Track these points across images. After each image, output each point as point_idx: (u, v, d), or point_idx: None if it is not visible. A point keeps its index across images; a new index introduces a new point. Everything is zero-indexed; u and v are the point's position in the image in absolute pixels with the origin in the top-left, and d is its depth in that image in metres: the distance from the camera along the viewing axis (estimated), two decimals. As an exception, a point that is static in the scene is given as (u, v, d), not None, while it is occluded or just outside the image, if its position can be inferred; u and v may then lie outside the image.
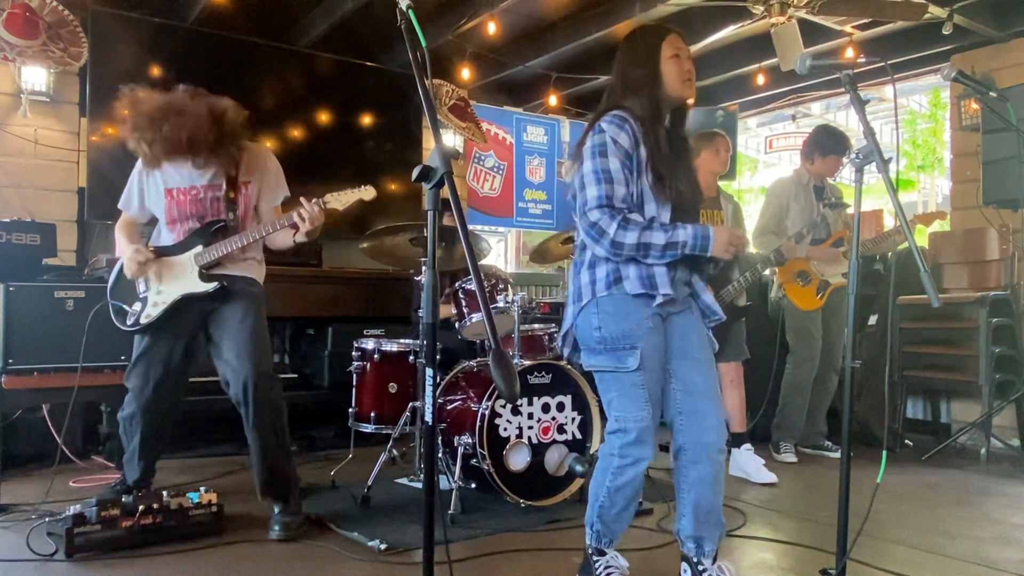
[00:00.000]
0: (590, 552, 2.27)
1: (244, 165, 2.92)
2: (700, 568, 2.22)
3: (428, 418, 1.64)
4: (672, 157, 2.18)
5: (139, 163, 2.92)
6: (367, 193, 2.82)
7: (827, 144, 4.20)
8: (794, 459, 4.16)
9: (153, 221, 3.00)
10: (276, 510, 2.80)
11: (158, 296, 2.85)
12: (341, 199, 2.79)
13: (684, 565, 2.26)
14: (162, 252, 2.87)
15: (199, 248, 2.84)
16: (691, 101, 2.29)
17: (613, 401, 2.17)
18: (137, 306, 2.88)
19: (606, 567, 2.22)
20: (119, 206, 2.99)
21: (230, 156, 2.87)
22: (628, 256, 2.10)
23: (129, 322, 2.88)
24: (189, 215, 2.87)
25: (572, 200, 2.19)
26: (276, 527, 2.73)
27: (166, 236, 2.92)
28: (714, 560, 2.24)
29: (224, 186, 2.87)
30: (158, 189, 2.89)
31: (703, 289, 2.30)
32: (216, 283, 2.82)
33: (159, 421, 2.95)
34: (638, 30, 2.30)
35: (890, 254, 4.79)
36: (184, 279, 2.84)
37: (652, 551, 2.63)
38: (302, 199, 2.76)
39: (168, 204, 2.87)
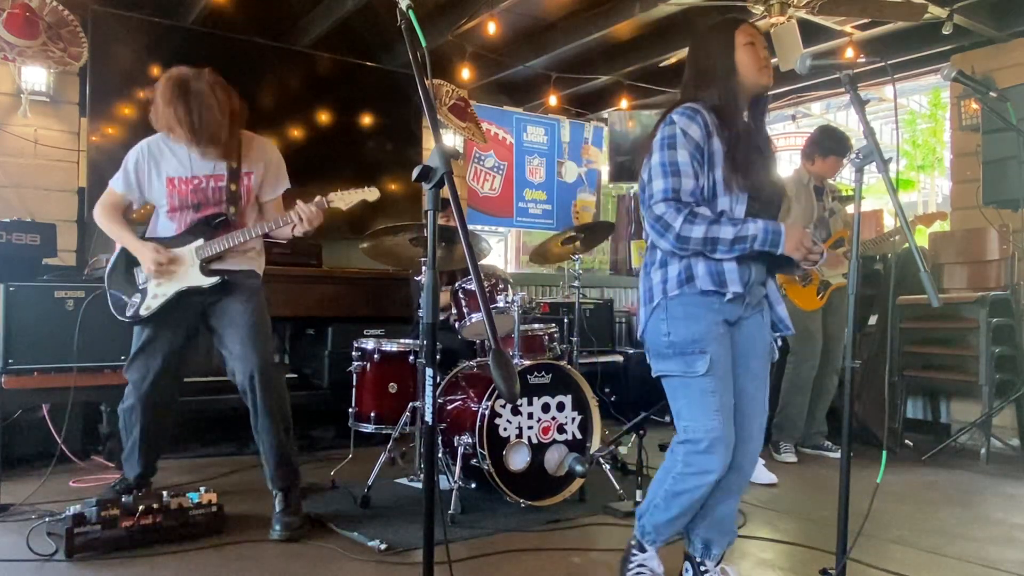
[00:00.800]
0: (632, 544, 2.25)
1: (246, 156, 2.92)
2: (702, 569, 2.22)
3: (428, 418, 1.64)
4: (752, 147, 2.09)
5: (139, 149, 2.90)
6: (371, 194, 2.83)
7: (827, 145, 4.20)
8: (794, 459, 4.16)
9: (146, 215, 2.99)
10: (277, 509, 2.81)
11: (158, 288, 2.85)
12: (345, 199, 2.81)
13: (687, 564, 2.26)
14: (163, 244, 2.87)
15: (200, 242, 2.84)
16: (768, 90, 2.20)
17: (682, 410, 2.09)
18: (136, 297, 2.88)
19: (639, 565, 2.21)
20: (112, 184, 2.92)
21: (235, 144, 2.88)
22: (695, 251, 2.02)
23: (128, 313, 2.88)
24: (190, 204, 2.87)
25: (642, 194, 2.12)
26: (277, 527, 2.74)
27: (165, 225, 2.91)
28: (717, 563, 2.24)
29: (226, 177, 2.88)
30: (160, 177, 2.88)
31: (778, 300, 2.22)
32: (217, 278, 2.83)
33: (159, 414, 2.97)
34: (710, 23, 2.22)
35: (890, 254, 4.80)
36: (185, 273, 2.84)
37: (652, 551, 2.63)
38: (299, 202, 2.77)
39: (169, 192, 2.87)
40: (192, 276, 2.84)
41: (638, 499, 3.05)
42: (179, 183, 2.86)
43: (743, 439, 2.15)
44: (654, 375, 2.16)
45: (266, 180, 2.97)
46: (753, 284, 2.10)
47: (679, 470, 2.09)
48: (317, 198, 2.78)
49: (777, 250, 1.98)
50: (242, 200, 2.91)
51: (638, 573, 2.20)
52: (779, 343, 2.26)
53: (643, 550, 2.22)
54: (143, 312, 2.85)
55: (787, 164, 13.22)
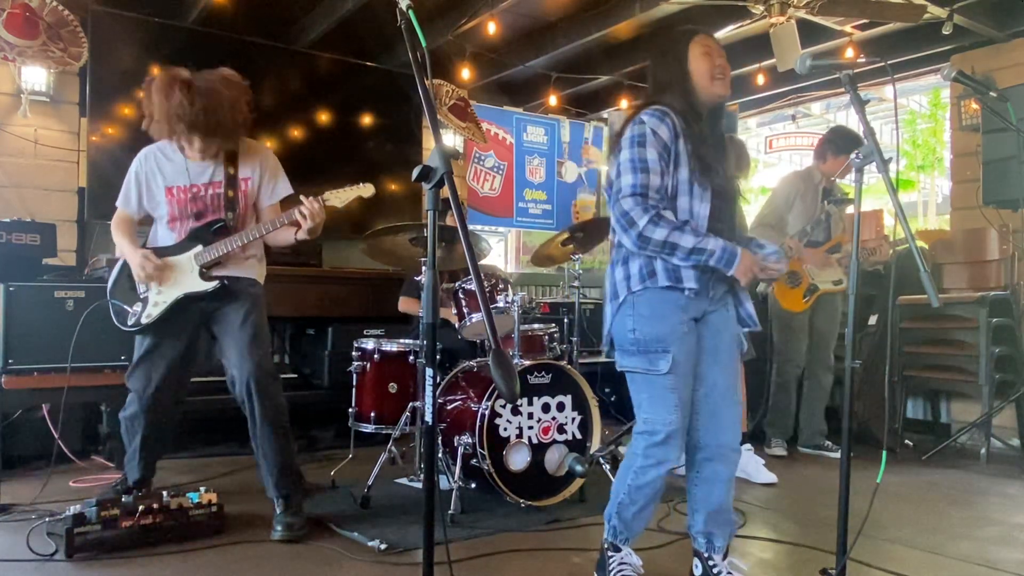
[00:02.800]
0: (605, 547, 2.28)
1: (242, 162, 2.92)
2: (711, 563, 2.25)
3: (428, 418, 1.64)
4: (714, 148, 2.17)
5: (138, 160, 2.91)
6: (366, 190, 2.83)
7: (839, 144, 4.22)
8: (783, 452, 4.29)
9: (149, 220, 2.99)
10: (278, 510, 2.80)
11: (158, 296, 2.85)
12: (340, 196, 2.80)
13: (696, 561, 2.30)
14: (163, 253, 2.87)
15: (199, 248, 2.84)
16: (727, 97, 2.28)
17: (643, 403, 2.17)
18: (138, 306, 2.88)
19: (620, 563, 2.24)
20: (118, 204, 2.96)
21: (233, 146, 2.88)
22: (653, 251, 2.09)
23: (130, 322, 2.88)
24: (189, 213, 2.87)
25: (609, 190, 2.18)
26: (279, 527, 2.73)
27: (165, 235, 2.92)
28: (724, 556, 2.26)
29: (223, 184, 2.88)
30: (159, 187, 2.88)
31: (746, 298, 2.29)
32: (216, 282, 2.83)
33: (161, 421, 2.96)
34: (665, 33, 2.31)
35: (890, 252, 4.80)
36: (184, 279, 2.84)
37: (653, 551, 2.63)
38: (302, 196, 2.77)
39: (169, 201, 2.87)
40: (191, 282, 2.84)
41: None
42: (178, 192, 2.87)
43: (719, 429, 2.22)
44: (618, 370, 2.23)
45: (263, 185, 2.96)
46: (715, 280, 2.17)
47: (639, 464, 2.17)
48: (312, 196, 2.77)
49: (728, 271, 2.08)
50: (240, 206, 2.91)
51: (620, 571, 2.23)
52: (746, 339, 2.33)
53: (618, 549, 2.27)
54: (144, 320, 2.85)
55: (787, 164, 13.26)
